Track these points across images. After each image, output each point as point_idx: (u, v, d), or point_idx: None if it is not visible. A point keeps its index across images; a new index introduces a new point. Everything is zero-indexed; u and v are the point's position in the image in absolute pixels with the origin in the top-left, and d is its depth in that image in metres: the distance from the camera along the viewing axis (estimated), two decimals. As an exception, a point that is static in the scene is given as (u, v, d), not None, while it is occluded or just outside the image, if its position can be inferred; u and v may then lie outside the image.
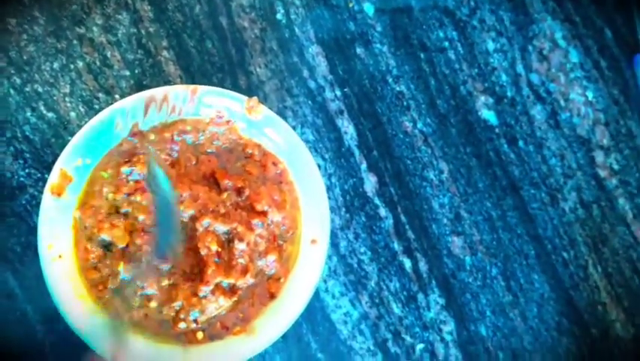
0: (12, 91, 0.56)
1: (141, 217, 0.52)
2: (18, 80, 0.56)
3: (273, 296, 0.54)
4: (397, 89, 0.62)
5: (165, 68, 0.59)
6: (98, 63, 0.58)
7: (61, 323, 0.49)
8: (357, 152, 0.60)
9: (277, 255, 0.54)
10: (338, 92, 0.61)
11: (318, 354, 0.58)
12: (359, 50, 0.62)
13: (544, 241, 0.61)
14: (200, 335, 0.52)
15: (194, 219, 0.53)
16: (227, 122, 0.55)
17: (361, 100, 0.61)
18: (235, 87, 0.59)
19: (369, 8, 0.62)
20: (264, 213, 0.54)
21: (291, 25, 0.61)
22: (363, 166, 0.60)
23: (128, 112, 0.53)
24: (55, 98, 0.57)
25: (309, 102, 0.60)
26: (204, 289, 0.52)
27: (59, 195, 0.51)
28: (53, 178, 0.51)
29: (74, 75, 0.57)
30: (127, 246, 0.52)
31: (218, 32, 0.60)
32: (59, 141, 0.56)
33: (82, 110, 0.57)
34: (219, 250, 0.53)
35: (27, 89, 0.56)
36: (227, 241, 0.53)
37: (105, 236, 0.52)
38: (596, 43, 0.64)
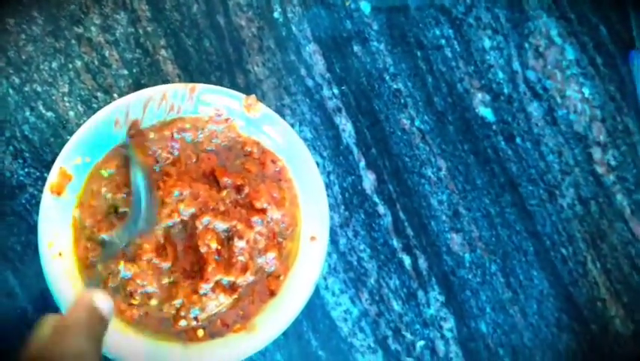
0: (11, 91, 0.56)
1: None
2: (17, 80, 0.56)
3: (273, 294, 0.54)
4: (394, 86, 0.62)
5: (163, 67, 0.59)
6: (96, 62, 0.58)
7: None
8: (355, 149, 0.61)
9: (277, 252, 0.54)
10: (335, 90, 0.61)
11: (318, 351, 0.57)
12: (356, 48, 0.62)
13: (542, 238, 0.62)
14: (200, 332, 0.52)
15: (194, 217, 0.53)
16: (226, 120, 0.55)
17: (359, 98, 0.61)
18: (233, 86, 0.59)
19: (365, 7, 0.62)
20: (263, 211, 0.54)
21: (288, 23, 0.61)
22: (362, 164, 0.60)
23: (127, 111, 0.53)
24: (53, 97, 0.57)
25: (307, 100, 0.60)
26: (204, 287, 0.52)
27: (59, 193, 0.51)
28: (53, 177, 0.51)
29: (73, 75, 0.57)
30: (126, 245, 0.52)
31: (215, 31, 0.60)
32: (58, 140, 0.56)
33: (80, 109, 0.57)
34: (219, 247, 0.53)
35: (26, 88, 0.56)
36: (227, 239, 0.54)
37: (104, 236, 0.52)
38: (592, 40, 0.64)
